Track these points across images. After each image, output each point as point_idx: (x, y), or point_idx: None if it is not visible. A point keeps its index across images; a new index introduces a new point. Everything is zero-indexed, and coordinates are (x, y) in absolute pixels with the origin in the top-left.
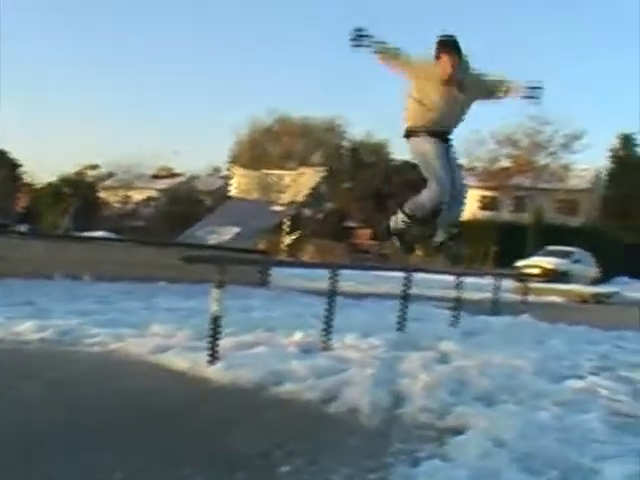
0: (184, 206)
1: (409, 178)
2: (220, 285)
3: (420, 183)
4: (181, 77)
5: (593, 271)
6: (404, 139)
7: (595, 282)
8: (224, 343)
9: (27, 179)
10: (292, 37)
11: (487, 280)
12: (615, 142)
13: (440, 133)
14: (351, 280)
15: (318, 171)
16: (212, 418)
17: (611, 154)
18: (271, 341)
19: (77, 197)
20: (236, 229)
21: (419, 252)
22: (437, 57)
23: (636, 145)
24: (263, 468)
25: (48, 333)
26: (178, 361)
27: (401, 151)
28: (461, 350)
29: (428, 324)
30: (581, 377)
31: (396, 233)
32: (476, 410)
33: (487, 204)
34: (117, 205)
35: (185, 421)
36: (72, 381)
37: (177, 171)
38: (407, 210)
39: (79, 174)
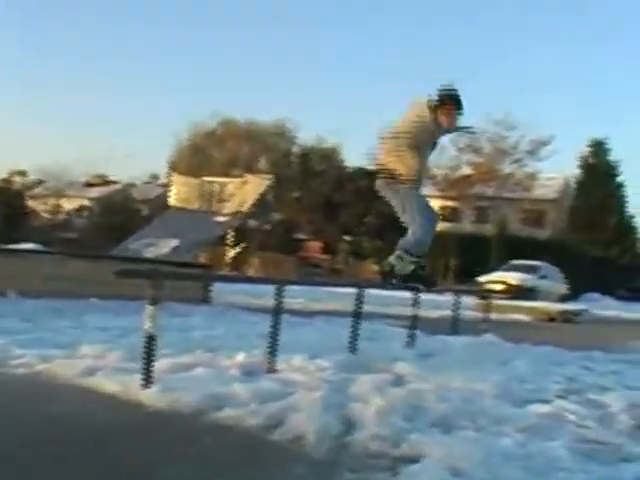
0: (120, 216)
1: (361, 186)
2: (154, 302)
3: (372, 192)
4: (118, 78)
5: (561, 287)
6: (387, 183)
7: (563, 299)
8: (160, 365)
9: None
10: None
11: (447, 297)
12: (585, 149)
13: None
14: (300, 297)
15: (265, 178)
16: (144, 445)
17: (580, 162)
18: (211, 362)
19: (2, 206)
20: (175, 241)
21: (374, 266)
22: (439, 108)
23: (608, 152)
24: None
25: None
26: (109, 384)
27: (353, 157)
28: (417, 372)
29: (382, 344)
30: (546, 401)
31: (411, 276)
32: (432, 437)
33: (447, 215)
34: (47, 215)
35: (114, 449)
36: None
37: (112, 178)
38: (412, 251)
39: (5, 181)
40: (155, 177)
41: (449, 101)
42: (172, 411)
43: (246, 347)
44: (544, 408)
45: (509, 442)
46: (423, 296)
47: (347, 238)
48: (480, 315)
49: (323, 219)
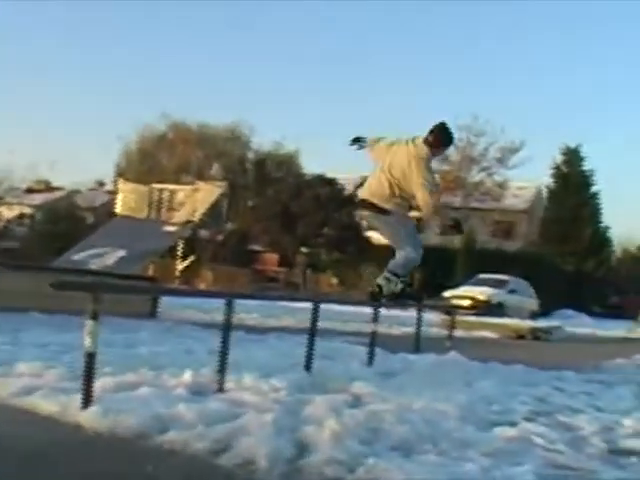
0: (63, 225)
1: (320, 193)
2: (94, 316)
3: (330, 201)
4: (60, 78)
5: (532, 303)
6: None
7: (534, 315)
8: (101, 384)
9: None
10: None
11: (410, 313)
12: (558, 157)
13: None
14: (254, 312)
15: (217, 186)
16: (81, 471)
17: (553, 170)
18: (156, 381)
19: None
20: (122, 252)
21: (334, 280)
22: (435, 142)
23: (582, 160)
24: None
25: None
26: (46, 404)
27: (312, 164)
28: (376, 392)
29: (339, 363)
30: (514, 423)
31: (400, 294)
32: (391, 462)
33: None
34: None
35: (48, 474)
36: None
37: (55, 184)
38: (398, 272)
39: None
40: (101, 183)
41: (443, 138)
42: (112, 434)
43: (194, 365)
44: (511, 431)
45: (473, 467)
46: (385, 312)
47: (305, 250)
48: (445, 332)
49: (280, 229)
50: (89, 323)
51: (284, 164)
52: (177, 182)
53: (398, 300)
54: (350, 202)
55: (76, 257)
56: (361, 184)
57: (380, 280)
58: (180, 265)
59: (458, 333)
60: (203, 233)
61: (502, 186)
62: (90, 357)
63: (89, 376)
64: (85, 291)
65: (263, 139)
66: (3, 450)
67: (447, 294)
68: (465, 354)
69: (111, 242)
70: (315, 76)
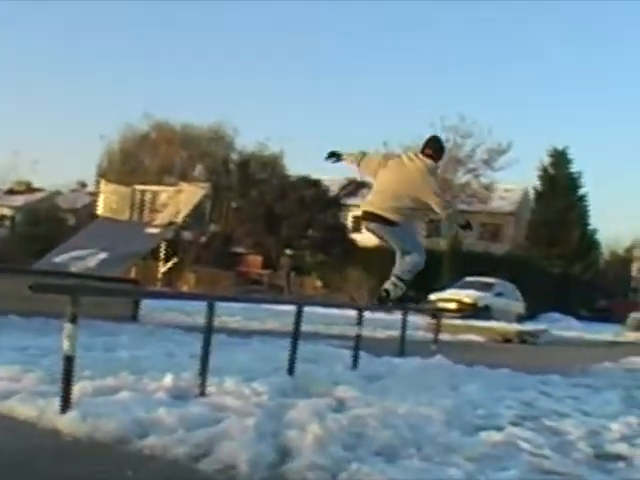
0: (44, 227)
1: (305, 195)
2: (73, 319)
3: (315, 203)
4: (42, 78)
5: (518, 306)
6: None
7: (521, 319)
8: (80, 388)
9: None
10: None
11: (396, 316)
12: (545, 159)
13: None
14: (237, 314)
15: (201, 187)
16: (58, 477)
17: (540, 172)
18: (137, 385)
19: None
20: (103, 254)
21: (318, 283)
22: (434, 155)
23: (569, 162)
24: None
25: None
26: (23, 409)
27: (297, 165)
28: (360, 396)
29: (323, 366)
30: (500, 428)
31: (400, 297)
32: (375, 467)
33: None
34: None
35: None
36: None
37: (36, 186)
38: (405, 277)
39: None
40: (83, 184)
41: (439, 150)
42: (91, 439)
43: (175, 369)
44: (497, 436)
45: (458, 473)
46: (370, 315)
47: (289, 252)
48: (430, 335)
49: (264, 231)
50: (68, 326)
51: (268, 165)
52: (160, 183)
53: (401, 304)
54: (335, 204)
55: (57, 259)
56: (346, 185)
57: (387, 285)
58: (162, 267)
59: (444, 336)
60: (186, 235)
61: (489, 188)
62: (69, 361)
63: (68, 380)
64: (64, 293)
65: (247, 140)
66: None
67: (433, 297)
68: (451, 358)
69: (93, 244)
70: (299, 76)
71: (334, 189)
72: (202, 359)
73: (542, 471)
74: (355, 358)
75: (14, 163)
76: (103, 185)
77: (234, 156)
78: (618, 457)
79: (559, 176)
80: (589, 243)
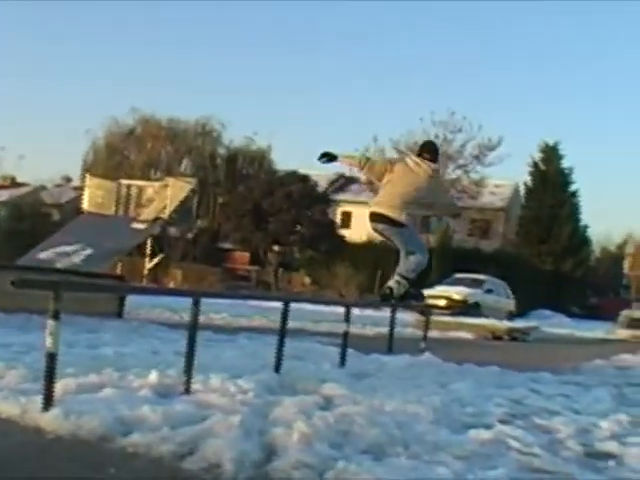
0: (29, 222)
1: (293, 190)
2: (56, 315)
3: (303, 198)
4: (27, 71)
5: (509, 303)
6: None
7: (511, 316)
8: (63, 385)
9: None
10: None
11: (385, 313)
12: (536, 154)
13: None
14: (224, 311)
15: (187, 182)
16: (40, 476)
17: (531, 168)
18: (121, 382)
19: None
20: (89, 250)
21: (307, 280)
22: (432, 159)
23: (560, 157)
24: None
25: None
26: (6, 406)
27: (285, 160)
28: (347, 394)
29: (310, 363)
30: (489, 426)
31: (403, 295)
32: (362, 465)
33: None
34: None
35: None
36: None
37: (21, 180)
38: (409, 276)
39: None
40: (68, 179)
41: (436, 154)
42: (73, 436)
43: (160, 366)
44: (486, 434)
45: (446, 471)
46: (358, 312)
47: (277, 248)
48: (420, 333)
49: (251, 227)
50: (50, 323)
51: (256, 160)
52: (146, 178)
53: (404, 301)
54: (324, 199)
55: (42, 255)
56: (335, 181)
57: (391, 283)
58: (148, 263)
59: (433, 334)
60: (172, 231)
61: (479, 184)
62: (51, 358)
63: (50, 377)
64: (46, 289)
65: (234, 135)
66: None
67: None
68: (440, 355)
69: (78, 240)
70: (288, 71)
71: (323, 184)
72: (187, 356)
73: (531, 469)
74: (343, 355)
75: None
76: (88, 180)
77: (221, 151)
78: (608, 455)
79: (550, 172)
80: (580, 239)
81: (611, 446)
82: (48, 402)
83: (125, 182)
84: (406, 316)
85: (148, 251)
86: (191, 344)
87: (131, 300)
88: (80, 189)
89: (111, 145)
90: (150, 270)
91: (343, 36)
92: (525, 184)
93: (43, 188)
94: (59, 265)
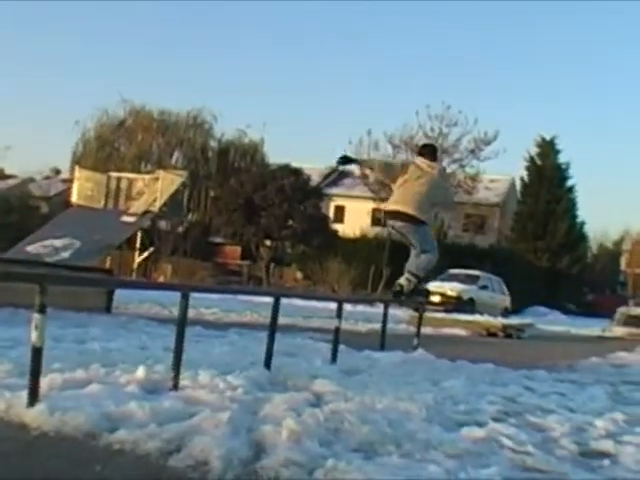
0: (16, 215)
1: (285, 184)
2: (42, 309)
3: (296, 192)
4: (16, 62)
5: (504, 299)
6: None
7: (506, 312)
8: (49, 380)
9: None
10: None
11: (378, 309)
12: (532, 148)
13: None
14: (215, 306)
15: (178, 175)
16: (25, 473)
17: (527, 163)
18: (108, 378)
19: None
20: (77, 243)
21: (299, 275)
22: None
23: (557, 152)
24: None
25: None
26: None
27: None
28: (338, 391)
29: (301, 360)
30: (481, 424)
31: (411, 291)
32: (352, 464)
33: (379, 219)
34: None
35: None
36: None
37: (8, 172)
38: (420, 274)
39: None
40: (57, 171)
41: (433, 153)
42: (59, 433)
43: (148, 362)
44: (479, 432)
45: (438, 470)
46: (351, 308)
47: (268, 243)
48: (413, 329)
49: (243, 221)
50: (36, 317)
51: (248, 153)
52: (136, 170)
53: (412, 297)
54: (316, 193)
55: (29, 248)
56: (328, 175)
57: (402, 280)
58: (138, 257)
59: (427, 330)
60: (163, 224)
61: (474, 178)
62: (37, 352)
63: (35, 372)
64: (31, 282)
65: (226, 127)
66: None
67: None
68: (433, 352)
69: (66, 233)
70: (280, 63)
71: (315, 178)
72: (176, 352)
73: (524, 468)
74: (334, 352)
75: None
76: (78, 172)
77: (213, 144)
78: (603, 454)
79: (546, 167)
80: (577, 236)
81: (606, 445)
82: (33, 397)
83: (115, 175)
84: (399, 312)
85: (138, 245)
86: (180, 339)
87: (120, 295)
88: (69, 181)
89: (101, 137)
90: (140, 264)
91: (336, 27)
92: (521, 179)
93: (31, 180)
94: (48, 259)
